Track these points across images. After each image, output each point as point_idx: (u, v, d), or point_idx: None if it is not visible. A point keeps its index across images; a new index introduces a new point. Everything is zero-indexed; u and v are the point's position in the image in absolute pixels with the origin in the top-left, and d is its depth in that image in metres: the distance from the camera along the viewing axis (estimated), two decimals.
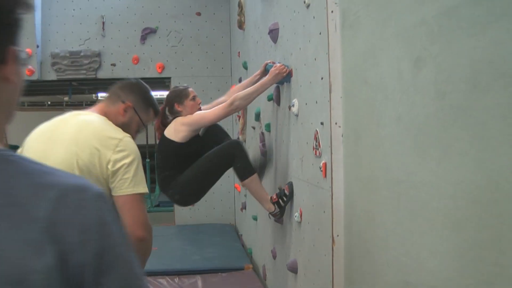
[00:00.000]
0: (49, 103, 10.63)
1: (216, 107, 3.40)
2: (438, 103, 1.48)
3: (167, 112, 3.61)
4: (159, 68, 6.54)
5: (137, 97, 2.32)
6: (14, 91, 0.88)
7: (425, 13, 1.53)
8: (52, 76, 6.54)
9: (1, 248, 0.76)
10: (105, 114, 2.22)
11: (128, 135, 2.13)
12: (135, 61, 6.49)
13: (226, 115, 3.36)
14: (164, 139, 3.49)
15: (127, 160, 2.04)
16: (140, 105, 2.32)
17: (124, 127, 2.20)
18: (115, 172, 2.02)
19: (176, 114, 3.51)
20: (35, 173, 0.83)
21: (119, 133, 2.10)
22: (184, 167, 3.43)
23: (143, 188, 2.08)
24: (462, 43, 1.36)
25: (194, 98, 3.52)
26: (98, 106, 2.29)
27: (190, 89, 3.59)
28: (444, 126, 1.45)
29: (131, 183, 2.04)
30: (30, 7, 0.84)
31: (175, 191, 3.48)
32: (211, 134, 3.67)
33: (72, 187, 0.84)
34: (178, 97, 3.54)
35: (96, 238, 0.82)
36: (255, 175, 3.42)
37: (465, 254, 1.38)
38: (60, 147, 2.03)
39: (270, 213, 3.44)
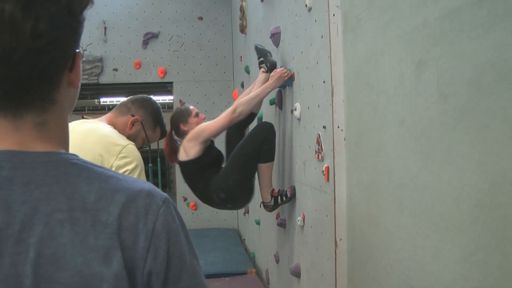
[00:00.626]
0: None
1: (219, 116, 3.35)
2: (440, 106, 1.48)
3: (174, 136, 3.55)
4: (161, 72, 6.53)
5: (147, 113, 2.34)
6: (76, 95, 0.91)
7: (427, 15, 1.52)
8: None
9: (69, 255, 0.76)
10: (113, 124, 2.24)
11: (132, 142, 2.14)
12: (137, 66, 6.49)
13: (230, 122, 3.30)
14: (182, 164, 3.46)
15: (129, 167, 2.04)
16: (149, 121, 2.35)
17: (129, 139, 2.20)
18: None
19: (183, 135, 3.44)
20: (100, 177, 0.83)
21: (123, 141, 2.11)
22: (212, 172, 3.40)
23: None
24: (464, 45, 1.35)
25: (197, 114, 3.48)
26: (106, 116, 2.30)
27: (192, 107, 3.56)
28: (447, 129, 1.45)
29: None
30: (92, 3, 0.85)
31: (218, 190, 3.34)
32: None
33: (139, 192, 0.83)
34: (181, 116, 3.49)
35: (164, 245, 0.82)
36: (272, 163, 3.38)
37: (468, 257, 1.37)
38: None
39: (263, 202, 3.43)
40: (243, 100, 3.31)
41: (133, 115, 2.29)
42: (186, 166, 3.43)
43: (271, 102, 3.73)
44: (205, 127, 3.35)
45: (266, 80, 3.33)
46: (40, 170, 0.80)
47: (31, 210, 0.77)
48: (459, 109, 1.39)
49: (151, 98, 2.43)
